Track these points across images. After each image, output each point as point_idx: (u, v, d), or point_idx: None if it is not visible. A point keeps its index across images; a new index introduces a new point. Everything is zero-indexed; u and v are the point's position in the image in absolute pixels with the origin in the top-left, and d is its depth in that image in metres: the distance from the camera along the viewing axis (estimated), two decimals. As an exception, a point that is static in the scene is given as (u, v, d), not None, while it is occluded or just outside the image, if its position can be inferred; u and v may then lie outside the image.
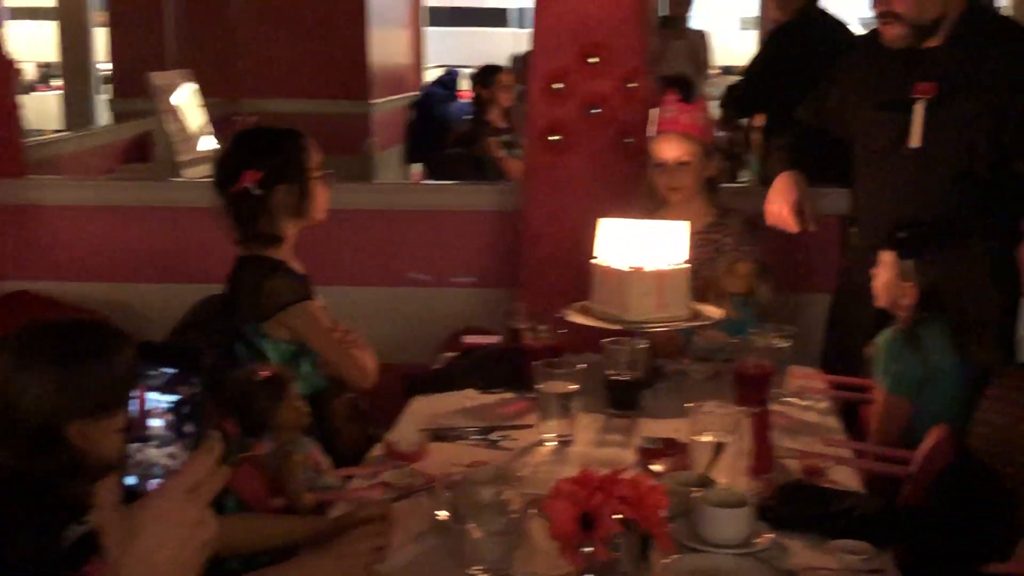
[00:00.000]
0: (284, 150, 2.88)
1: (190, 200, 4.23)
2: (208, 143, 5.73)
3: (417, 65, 8.53)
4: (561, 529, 1.92)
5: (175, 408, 1.32)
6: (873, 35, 3.12)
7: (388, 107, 7.66)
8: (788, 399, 2.88)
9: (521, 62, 6.66)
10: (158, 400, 1.34)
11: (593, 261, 2.99)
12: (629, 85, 3.90)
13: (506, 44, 9.14)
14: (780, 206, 3.20)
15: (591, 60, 3.87)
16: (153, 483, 1.35)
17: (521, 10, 10.21)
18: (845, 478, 2.45)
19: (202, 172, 5.21)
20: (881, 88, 3.04)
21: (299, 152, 2.89)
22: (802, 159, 3.27)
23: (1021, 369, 2.52)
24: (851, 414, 3.04)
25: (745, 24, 12.71)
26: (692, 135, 3.39)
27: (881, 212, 3.01)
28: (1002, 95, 2.79)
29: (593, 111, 3.89)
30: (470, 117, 6.44)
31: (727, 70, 9.46)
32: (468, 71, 9.79)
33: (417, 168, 7.73)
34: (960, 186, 2.86)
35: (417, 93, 8.26)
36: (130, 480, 1.37)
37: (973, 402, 2.54)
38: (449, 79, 8.20)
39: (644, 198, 3.51)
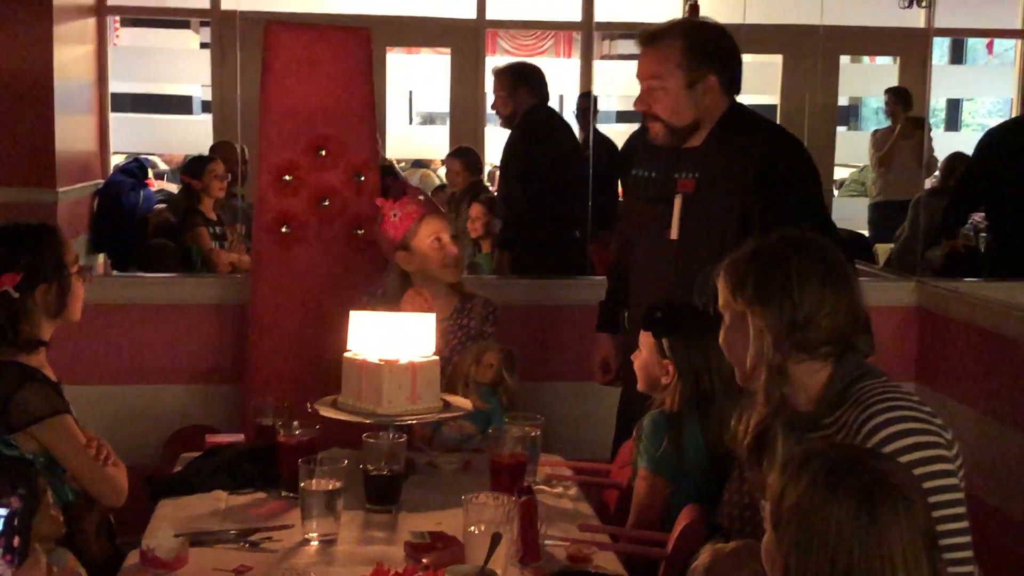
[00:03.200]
0: (41, 248, 2.72)
1: None
2: None
3: (102, 153, 8.21)
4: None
5: (5, 522, 1.22)
6: (646, 131, 3.29)
7: (74, 195, 7.32)
8: (541, 486, 2.94)
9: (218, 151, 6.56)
10: (-16, 517, 1.22)
11: (346, 355, 2.96)
12: (359, 177, 3.93)
13: (192, 131, 8.94)
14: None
15: (320, 153, 3.88)
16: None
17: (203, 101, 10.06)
18: (608, 562, 2.53)
19: None
20: (651, 182, 3.21)
21: (56, 248, 2.73)
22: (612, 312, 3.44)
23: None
24: (594, 495, 3.15)
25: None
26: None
27: (647, 298, 3.15)
28: (750, 192, 3.00)
29: (323, 203, 3.89)
30: (165, 206, 6.24)
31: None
32: (157, 158, 9.57)
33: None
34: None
35: (101, 181, 7.93)
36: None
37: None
38: (136, 167, 7.92)
39: (388, 288, 3.52)
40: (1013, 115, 8.71)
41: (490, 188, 6.64)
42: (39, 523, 2.17)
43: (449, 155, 6.51)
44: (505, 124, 5.68)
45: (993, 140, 5.86)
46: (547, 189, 5.28)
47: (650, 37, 3.16)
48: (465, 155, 6.35)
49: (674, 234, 3.08)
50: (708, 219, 3.03)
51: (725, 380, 2.81)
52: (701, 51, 3.09)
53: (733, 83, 3.15)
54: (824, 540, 1.65)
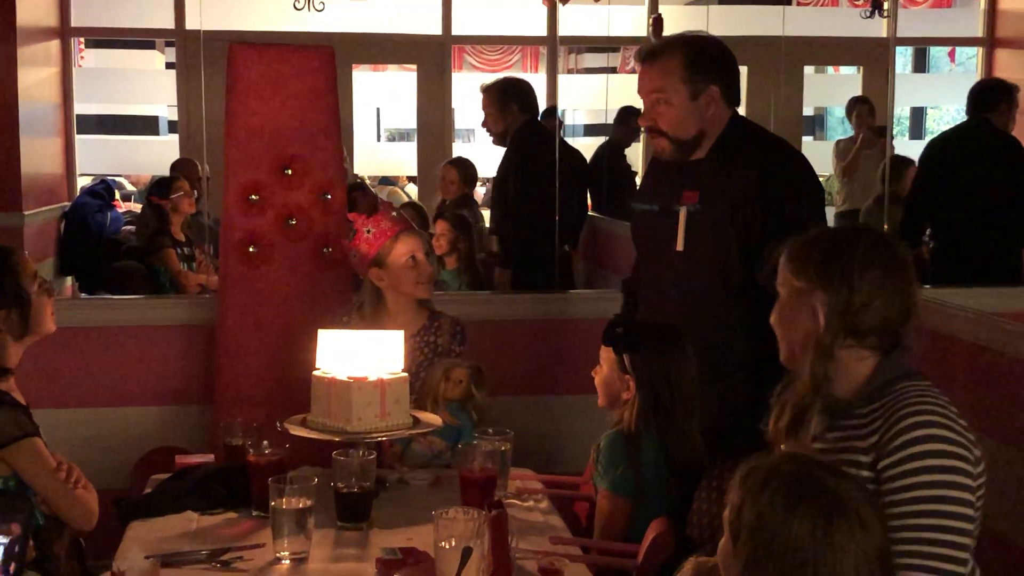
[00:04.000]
0: None
1: None
2: None
3: (68, 175, 8.18)
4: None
5: (6, 550, 1.22)
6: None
7: (40, 218, 7.30)
8: (511, 500, 2.95)
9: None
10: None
11: (315, 373, 2.96)
12: (325, 196, 3.93)
13: (158, 152, 8.92)
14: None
15: (287, 172, 3.88)
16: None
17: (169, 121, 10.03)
18: (579, 574, 2.54)
19: None
20: (657, 195, 3.22)
21: (11, 271, 2.72)
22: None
23: (732, 460, 2.70)
24: (565, 508, 3.16)
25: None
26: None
27: (653, 311, 3.16)
28: (749, 205, 2.98)
29: (290, 223, 3.89)
30: (132, 228, 6.21)
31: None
32: (124, 179, 9.54)
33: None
34: (720, 289, 3.05)
35: (68, 204, 7.90)
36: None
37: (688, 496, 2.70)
38: (103, 188, 7.90)
39: (361, 305, 3.52)
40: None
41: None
42: None
43: (447, 163, 6.46)
44: (497, 141, 5.67)
45: (935, 149, 5.95)
46: (543, 204, 5.30)
47: (650, 54, 3.17)
48: (463, 166, 6.31)
49: (680, 246, 3.08)
50: (713, 231, 3.03)
51: (684, 396, 2.84)
52: (702, 63, 3.10)
53: (733, 93, 3.16)
54: (780, 556, 1.69)
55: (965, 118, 6.07)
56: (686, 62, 3.09)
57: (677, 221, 3.07)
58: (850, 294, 2.06)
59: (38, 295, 2.78)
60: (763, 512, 1.71)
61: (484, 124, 5.72)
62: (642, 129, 3.37)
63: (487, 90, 5.67)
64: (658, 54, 3.14)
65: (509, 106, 5.56)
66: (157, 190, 5.91)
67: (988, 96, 5.86)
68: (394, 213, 3.54)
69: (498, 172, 5.70)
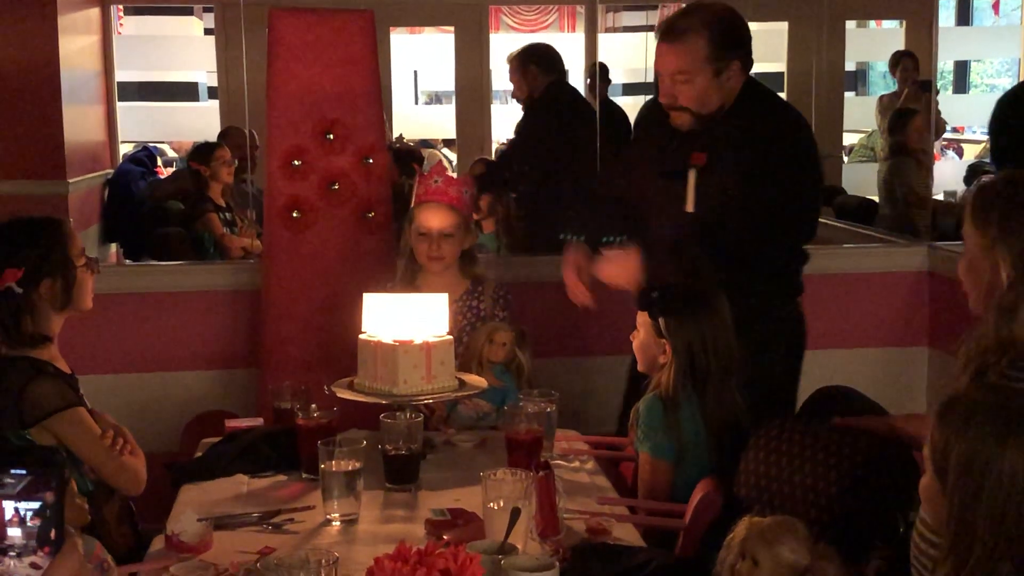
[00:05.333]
0: (44, 242, 2.74)
1: None
2: None
3: (111, 142, 8.23)
4: (385, 607, 1.91)
5: (40, 513, 1.24)
6: (660, 109, 3.27)
7: (84, 186, 7.35)
8: (557, 461, 2.97)
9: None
10: (18, 508, 1.25)
11: (361, 337, 2.98)
12: (367, 161, 3.94)
13: (199, 118, 8.95)
14: (574, 281, 3.31)
15: (328, 137, 3.89)
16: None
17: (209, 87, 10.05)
18: (627, 534, 2.55)
19: None
20: (664, 158, 3.23)
21: (61, 242, 2.75)
22: (591, 228, 3.38)
23: (780, 420, 2.70)
24: (610, 469, 3.18)
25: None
26: (457, 207, 3.46)
27: (665, 274, 3.13)
28: (757, 167, 3.01)
29: (333, 187, 3.90)
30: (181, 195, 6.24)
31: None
32: (167, 146, 9.58)
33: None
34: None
35: (111, 171, 7.96)
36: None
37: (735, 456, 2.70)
38: (145, 155, 7.95)
39: (401, 269, 3.54)
40: (1021, 75, 8.67)
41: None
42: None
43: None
44: (524, 104, 5.70)
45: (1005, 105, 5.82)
46: (564, 164, 5.29)
47: (672, 34, 3.14)
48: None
49: (690, 207, 3.10)
50: (722, 192, 3.04)
51: (721, 357, 2.84)
52: (726, 41, 3.10)
53: (750, 61, 3.18)
54: (994, 491, 1.66)
55: (1012, 70, 5.92)
56: (711, 44, 3.08)
57: (686, 183, 3.06)
58: None
59: (82, 271, 2.80)
60: (970, 448, 1.69)
61: (513, 95, 5.79)
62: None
63: (509, 60, 5.73)
64: (681, 36, 3.12)
65: (529, 70, 5.58)
66: (197, 156, 5.93)
67: None
68: (437, 181, 3.49)
69: (515, 133, 5.76)
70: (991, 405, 1.74)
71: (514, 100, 5.91)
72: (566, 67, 5.88)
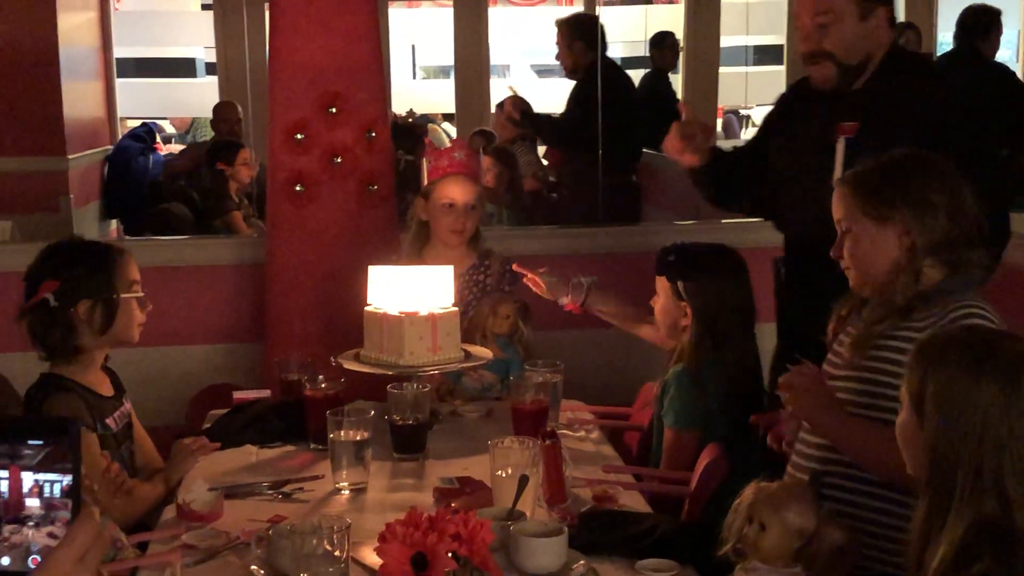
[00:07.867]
0: (89, 263, 2.74)
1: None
2: None
3: (110, 118, 8.23)
4: (396, 571, 1.93)
5: (61, 487, 1.26)
6: (801, 83, 3.16)
7: (84, 162, 7.36)
8: (563, 431, 2.99)
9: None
10: (37, 479, 1.27)
11: (367, 309, 3.00)
12: (370, 134, 3.94)
13: (197, 94, 8.94)
14: (672, 140, 3.15)
15: (331, 110, 3.90)
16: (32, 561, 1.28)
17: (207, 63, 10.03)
18: (633, 501, 2.58)
19: None
20: (807, 131, 3.05)
21: (106, 268, 2.74)
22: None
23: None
24: (616, 438, 3.21)
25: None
26: (478, 181, 3.48)
27: (812, 246, 2.84)
28: (916, 132, 2.75)
29: (335, 161, 3.91)
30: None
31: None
32: (166, 122, 9.58)
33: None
34: None
35: (110, 147, 7.96)
36: (3, 562, 1.29)
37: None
38: (144, 131, 7.94)
39: (407, 242, 3.55)
40: (1021, 48, 8.65)
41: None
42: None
43: (499, 103, 6.43)
44: (570, 76, 5.76)
45: None
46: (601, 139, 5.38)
47: None
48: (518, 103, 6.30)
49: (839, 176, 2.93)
50: None
51: (740, 316, 2.86)
52: None
53: (894, 17, 3.00)
54: (971, 422, 1.70)
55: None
56: None
57: (833, 154, 2.90)
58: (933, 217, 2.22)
59: (127, 301, 2.77)
60: (947, 383, 1.74)
61: (557, 57, 5.79)
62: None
63: (559, 25, 5.74)
64: None
65: (575, 44, 5.62)
66: (223, 156, 5.93)
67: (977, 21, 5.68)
68: (459, 154, 3.47)
69: (566, 107, 5.77)
70: (967, 341, 1.79)
71: (515, 70, 5.92)
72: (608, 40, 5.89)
